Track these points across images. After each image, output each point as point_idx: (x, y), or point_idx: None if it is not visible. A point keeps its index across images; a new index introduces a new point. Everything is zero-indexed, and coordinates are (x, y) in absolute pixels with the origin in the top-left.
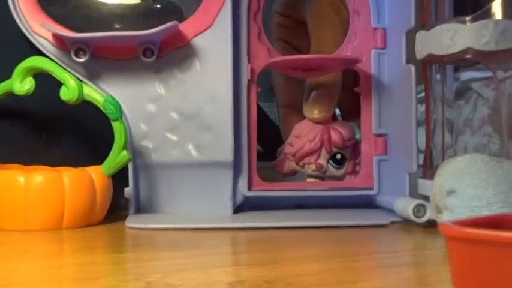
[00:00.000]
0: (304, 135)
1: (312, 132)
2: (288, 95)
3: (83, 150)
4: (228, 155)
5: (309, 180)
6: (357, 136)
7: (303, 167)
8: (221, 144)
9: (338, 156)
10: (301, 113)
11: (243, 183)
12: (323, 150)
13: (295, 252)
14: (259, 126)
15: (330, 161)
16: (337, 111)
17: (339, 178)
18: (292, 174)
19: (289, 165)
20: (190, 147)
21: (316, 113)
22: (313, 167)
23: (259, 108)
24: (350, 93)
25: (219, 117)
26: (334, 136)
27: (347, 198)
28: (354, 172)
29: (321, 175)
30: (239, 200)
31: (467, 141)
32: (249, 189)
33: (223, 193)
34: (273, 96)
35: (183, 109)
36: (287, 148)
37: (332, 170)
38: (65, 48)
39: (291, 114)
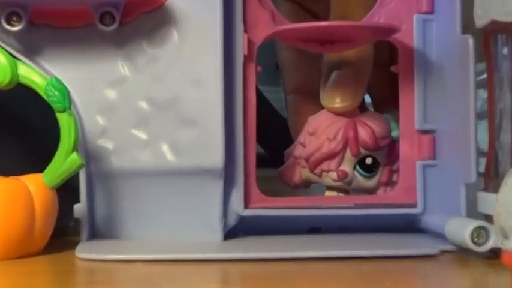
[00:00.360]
0: (321, 131)
1: (333, 128)
2: (300, 77)
3: (17, 152)
4: (216, 159)
5: (328, 194)
6: (394, 133)
7: (319, 175)
8: (207, 145)
9: (368, 160)
10: (317, 102)
11: (237, 198)
12: (347, 152)
13: None
14: (259, 119)
15: (357, 167)
16: (367, 98)
17: (370, 191)
18: (305, 186)
19: (301, 173)
20: (165, 148)
21: (338, 102)
22: (334, 175)
23: (259, 94)
24: (385, 73)
25: (204, 108)
26: (363, 133)
27: (380, 218)
28: (389, 183)
29: (345, 187)
30: (232, 221)
31: None
32: (246, 206)
33: (210, 212)
34: (279, 79)
35: (156, 96)
36: (298, 150)
37: (360, 179)
38: None
39: (304, 103)
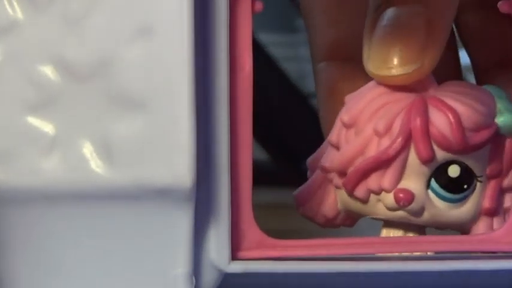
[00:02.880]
0: (365, 120)
1: (385, 113)
2: (337, 35)
3: None
4: (180, 172)
5: (385, 234)
6: (502, 119)
7: (365, 200)
8: (164, 146)
9: (453, 170)
10: (365, 74)
11: (218, 242)
12: (412, 156)
13: None
14: (262, 102)
15: (432, 183)
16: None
17: (461, 227)
18: (346, 221)
19: (336, 197)
20: (87, 150)
21: (394, 65)
22: (390, 199)
23: (263, 55)
24: (483, 16)
25: (158, 79)
26: (440, 120)
27: (484, 277)
28: (498, 210)
29: (415, 221)
30: (210, 282)
31: None
32: (234, 256)
33: (170, 266)
34: (295, 22)
35: (71, 57)
36: (330, 155)
37: (440, 206)
38: None
39: (343, 75)
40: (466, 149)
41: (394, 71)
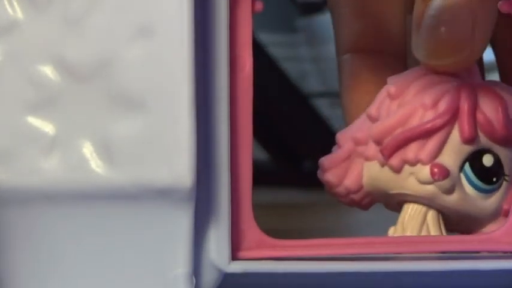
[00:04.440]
0: (413, 95)
1: (434, 91)
2: (364, 26)
3: None
4: (180, 172)
5: (406, 208)
6: None
7: (398, 170)
8: (164, 146)
9: (487, 159)
10: (393, 66)
11: (218, 242)
12: (455, 135)
13: None
14: (262, 101)
15: (466, 167)
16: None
17: (483, 221)
18: (365, 200)
19: (363, 169)
20: (88, 151)
21: (444, 53)
22: (426, 172)
23: (264, 56)
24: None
25: (158, 79)
26: (489, 105)
27: (486, 276)
28: None
29: (442, 199)
30: (210, 281)
31: None
32: (235, 256)
33: (171, 266)
34: (296, 22)
35: (71, 57)
36: (362, 128)
37: (470, 192)
38: None
39: (369, 67)
40: (507, 138)
41: (443, 60)
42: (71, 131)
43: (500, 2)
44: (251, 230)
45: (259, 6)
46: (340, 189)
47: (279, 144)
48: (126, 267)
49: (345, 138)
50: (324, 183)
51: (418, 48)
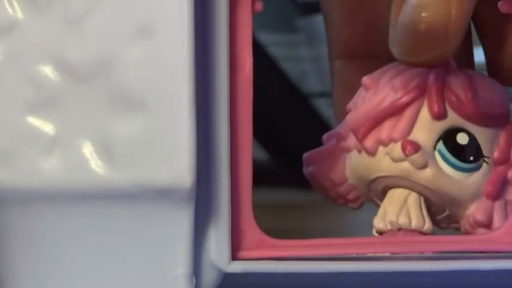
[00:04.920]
0: (385, 82)
1: (405, 76)
2: (355, 32)
3: None
4: (180, 172)
5: (390, 195)
6: None
7: (374, 153)
8: (164, 146)
9: (461, 137)
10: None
11: (218, 242)
12: (424, 112)
13: None
14: (262, 102)
15: (440, 144)
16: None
17: (456, 197)
18: (351, 196)
19: (346, 164)
20: (88, 151)
21: (419, 50)
22: (397, 149)
23: (263, 55)
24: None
25: (158, 79)
26: (456, 81)
27: (486, 276)
28: (498, 195)
29: (416, 176)
30: (210, 281)
31: None
32: (235, 256)
33: (171, 266)
34: (296, 22)
35: (71, 57)
36: (344, 122)
37: (445, 168)
38: None
39: (360, 72)
40: (477, 115)
41: (417, 57)
42: (71, 131)
43: (500, 2)
44: (251, 230)
45: (259, 6)
46: (325, 183)
47: (279, 144)
48: (126, 267)
49: (329, 137)
50: (309, 179)
51: (394, 44)
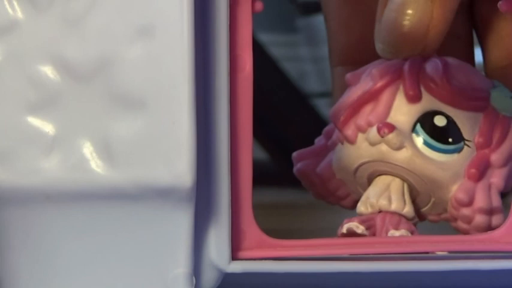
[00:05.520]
0: (367, 74)
1: (384, 65)
2: (353, 40)
3: None
4: (180, 172)
5: (375, 183)
6: (495, 93)
7: (353, 141)
8: (164, 146)
9: (439, 119)
10: None
11: (218, 242)
12: (400, 95)
13: None
14: (260, 97)
15: (418, 127)
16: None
17: (436, 178)
18: (340, 192)
19: (332, 159)
20: (88, 150)
21: (401, 46)
22: (374, 131)
23: (260, 51)
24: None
25: (158, 79)
26: (431, 64)
27: (486, 276)
28: (480, 178)
29: (394, 157)
30: (210, 281)
31: None
32: (235, 256)
33: (170, 265)
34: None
35: (71, 57)
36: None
37: (424, 150)
38: None
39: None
40: (453, 98)
41: (399, 54)
42: (71, 131)
43: (500, 2)
44: (251, 230)
45: (259, 6)
46: (314, 179)
47: (279, 144)
48: (126, 267)
49: (319, 138)
50: (298, 176)
51: (379, 39)
